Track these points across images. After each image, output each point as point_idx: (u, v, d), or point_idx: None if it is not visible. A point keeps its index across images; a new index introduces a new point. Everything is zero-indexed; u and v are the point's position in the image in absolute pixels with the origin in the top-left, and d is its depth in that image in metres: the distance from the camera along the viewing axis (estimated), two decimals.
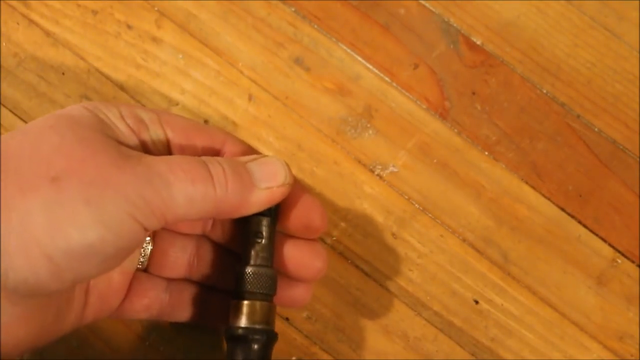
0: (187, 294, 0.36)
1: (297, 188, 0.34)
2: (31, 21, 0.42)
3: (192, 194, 0.29)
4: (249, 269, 0.33)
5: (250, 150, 0.34)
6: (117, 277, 0.34)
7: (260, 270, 0.33)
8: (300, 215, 0.34)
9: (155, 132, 0.32)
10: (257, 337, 0.32)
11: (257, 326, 0.32)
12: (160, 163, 0.29)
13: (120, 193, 0.28)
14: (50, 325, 0.31)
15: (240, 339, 0.32)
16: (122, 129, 0.31)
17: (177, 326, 0.38)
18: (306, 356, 0.38)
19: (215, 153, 0.34)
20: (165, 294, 0.35)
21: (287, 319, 0.39)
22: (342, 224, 0.40)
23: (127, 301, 0.34)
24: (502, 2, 0.44)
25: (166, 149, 0.33)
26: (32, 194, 0.27)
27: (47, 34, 0.42)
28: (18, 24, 0.42)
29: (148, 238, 0.35)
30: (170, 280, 0.36)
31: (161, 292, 0.35)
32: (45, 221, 0.27)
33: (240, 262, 0.33)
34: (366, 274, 0.40)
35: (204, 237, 0.36)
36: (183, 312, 0.36)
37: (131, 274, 0.35)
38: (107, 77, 0.41)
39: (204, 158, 0.30)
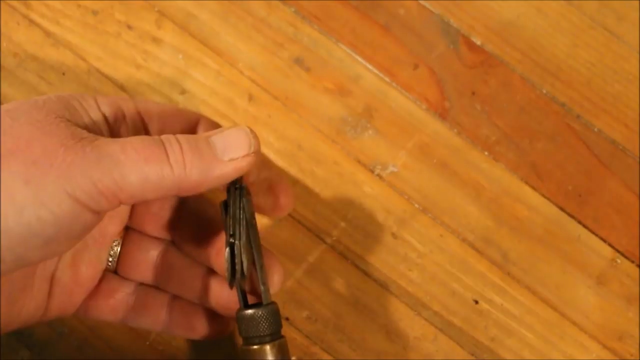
0: (152, 300, 0.35)
1: (267, 166, 0.34)
2: (31, 21, 0.42)
3: (146, 173, 0.28)
4: (249, 312, 0.32)
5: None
6: (85, 271, 0.33)
7: (261, 312, 0.32)
8: (267, 194, 0.34)
9: (132, 120, 0.32)
10: None
11: None
12: (112, 144, 0.29)
13: (63, 173, 0.27)
14: (5, 313, 0.30)
15: None
16: (94, 117, 0.31)
17: None
18: (306, 356, 0.38)
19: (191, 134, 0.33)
20: (131, 297, 0.35)
21: (287, 318, 0.39)
22: (342, 224, 0.40)
23: (93, 300, 0.34)
24: (502, 2, 0.44)
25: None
26: None
27: (48, 34, 0.42)
28: (18, 24, 0.42)
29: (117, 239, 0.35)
30: (139, 284, 0.35)
31: (128, 295, 0.35)
32: None
33: (240, 304, 0.32)
34: (366, 274, 0.40)
35: (172, 243, 0.36)
36: (146, 318, 0.35)
37: (100, 271, 0.34)
38: (108, 77, 0.41)
39: (162, 137, 0.30)
